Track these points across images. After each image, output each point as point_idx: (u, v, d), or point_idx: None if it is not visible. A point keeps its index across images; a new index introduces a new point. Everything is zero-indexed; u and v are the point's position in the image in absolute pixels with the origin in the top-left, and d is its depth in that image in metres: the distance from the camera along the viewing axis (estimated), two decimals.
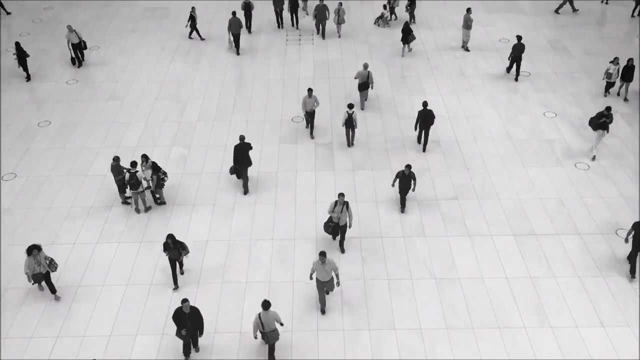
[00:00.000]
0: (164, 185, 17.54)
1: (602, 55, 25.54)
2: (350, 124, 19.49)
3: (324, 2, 26.61)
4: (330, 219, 15.68)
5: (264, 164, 19.38)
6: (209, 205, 17.75)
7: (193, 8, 26.62)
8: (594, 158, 19.28)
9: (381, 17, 28.11)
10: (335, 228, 15.79)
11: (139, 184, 16.95)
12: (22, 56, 23.63)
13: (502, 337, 13.98)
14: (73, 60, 24.71)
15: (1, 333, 14.20)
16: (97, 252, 16.28)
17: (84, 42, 24.67)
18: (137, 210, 17.51)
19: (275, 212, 17.51)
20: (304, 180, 18.67)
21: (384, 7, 28.07)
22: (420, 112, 19.42)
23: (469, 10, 25.24)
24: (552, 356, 13.60)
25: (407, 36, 25.21)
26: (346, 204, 15.48)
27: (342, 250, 16.13)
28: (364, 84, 21.54)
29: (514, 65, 24.03)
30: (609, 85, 22.43)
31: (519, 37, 23.16)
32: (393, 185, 17.22)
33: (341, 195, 15.38)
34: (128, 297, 15.03)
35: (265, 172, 19.00)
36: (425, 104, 19.38)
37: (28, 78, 24.06)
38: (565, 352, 13.66)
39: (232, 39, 26.06)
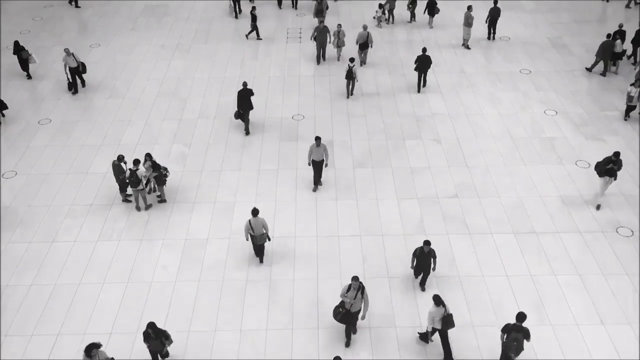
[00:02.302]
0: (165, 181, 17.55)
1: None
2: (350, 76, 21.92)
3: (325, 24, 24.86)
4: (341, 304, 13.47)
5: (264, 162, 19.38)
6: (210, 203, 17.74)
7: (254, 7, 26.51)
8: (598, 207, 17.36)
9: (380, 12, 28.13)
10: (346, 316, 13.42)
11: (139, 182, 16.96)
12: (20, 56, 23.57)
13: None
14: (70, 86, 22.80)
15: (1, 331, 14.21)
16: (97, 250, 16.28)
17: (83, 65, 22.85)
18: (138, 208, 17.52)
19: (276, 210, 17.51)
20: (304, 178, 18.66)
21: (380, 6, 28.01)
22: (419, 57, 22.31)
23: (469, 8, 25.21)
24: (552, 354, 13.60)
25: (433, 9, 27.53)
26: (361, 288, 13.28)
27: (348, 344, 13.78)
28: (364, 44, 24.22)
29: (492, 30, 26.59)
30: (630, 108, 20.95)
31: (495, 1, 25.88)
32: (412, 267, 14.82)
33: (355, 279, 13.13)
34: (128, 295, 15.03)
35: (265, 170, 19.00)
36: (424, 50, 22.24)
37: (28, 76, 24.04)
38: (565, 350, 13.66)
39: (232, 4, 27.95)
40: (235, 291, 15.08)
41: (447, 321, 13.03)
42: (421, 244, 16.01)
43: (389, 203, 17.68)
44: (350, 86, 22.37)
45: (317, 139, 17.36)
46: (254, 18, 26.31)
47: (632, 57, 24.77)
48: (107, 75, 24.28)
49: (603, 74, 23.84)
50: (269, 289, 15.15)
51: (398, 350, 13.67)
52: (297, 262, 15.85)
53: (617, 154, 16.79)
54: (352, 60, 21.93)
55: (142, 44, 26.68)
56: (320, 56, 25.09)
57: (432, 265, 15.21)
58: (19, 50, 23.54)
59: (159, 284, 15.30)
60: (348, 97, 22.53)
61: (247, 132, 20.52)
